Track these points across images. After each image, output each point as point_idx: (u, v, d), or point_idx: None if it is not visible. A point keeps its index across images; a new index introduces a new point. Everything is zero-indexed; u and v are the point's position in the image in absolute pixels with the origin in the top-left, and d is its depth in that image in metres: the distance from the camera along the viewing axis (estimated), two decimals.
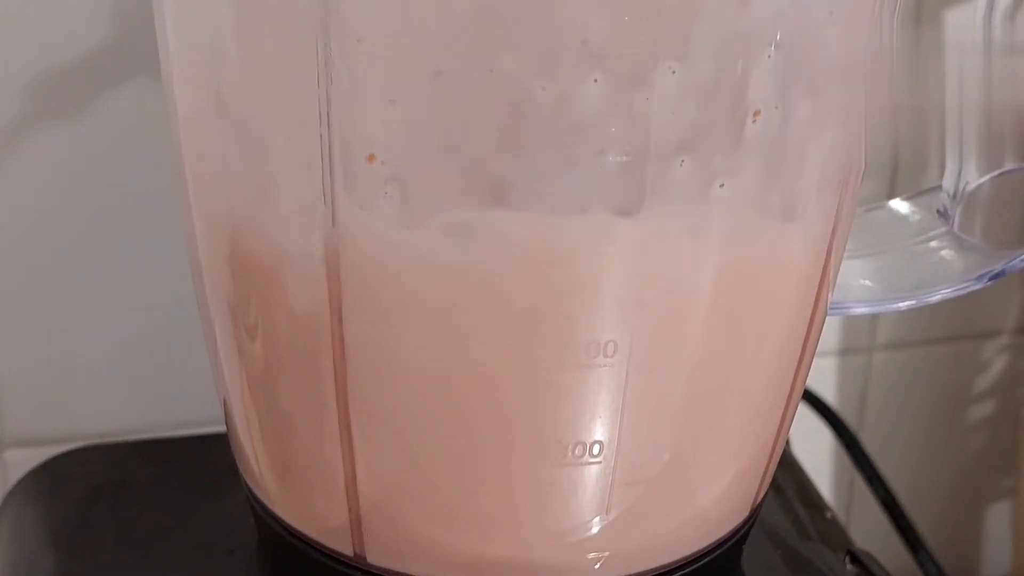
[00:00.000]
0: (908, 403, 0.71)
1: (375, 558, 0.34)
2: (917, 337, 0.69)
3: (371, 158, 0.28)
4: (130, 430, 0.54)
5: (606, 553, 0.33)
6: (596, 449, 0.31)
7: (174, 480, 0.46)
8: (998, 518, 0.76)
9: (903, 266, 0.38)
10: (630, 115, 0.27)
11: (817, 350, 0.37)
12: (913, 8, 0.52)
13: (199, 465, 0.47)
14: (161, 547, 0.42)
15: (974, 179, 0.37)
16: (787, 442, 0.52)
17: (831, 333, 0.67)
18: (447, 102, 0.27)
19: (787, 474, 0.49)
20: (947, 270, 0.38)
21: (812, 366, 0.37)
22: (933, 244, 0.38)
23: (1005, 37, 0.35)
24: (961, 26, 0.36)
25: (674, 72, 0.27)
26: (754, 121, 0.28)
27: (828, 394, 0.67)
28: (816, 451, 0.66)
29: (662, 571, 0.34)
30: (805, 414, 0.61)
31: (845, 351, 0.68)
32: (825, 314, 0.36)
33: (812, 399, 0.61)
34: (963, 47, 0.36)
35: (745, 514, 0.37)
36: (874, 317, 0.67)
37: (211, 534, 0.42)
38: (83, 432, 0.53)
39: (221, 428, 0.39)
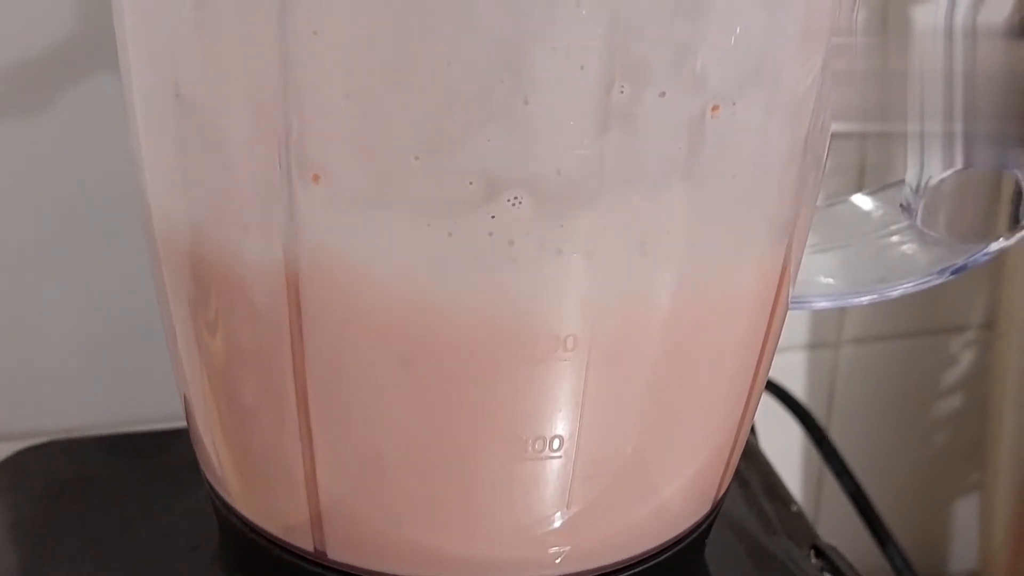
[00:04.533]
0: (876, 397, 0.72)
1: (336, 554, 0.34)
2: (885, 332, 0.70)
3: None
4: (93, 425, 0.53)
5: (567, 548, 0.33)
6: (556, 444, 0.31)
7: (138, 476, 0.46)
8: (965, 512, 0.77)
9: (866, 260, 0.38)
10: (590, 107, 0.27)
11: (785, 345, 0.37)
12: (880, 3, 0.52)
13: (163, 461, 0.46)
14: (125, 543, 0.42)
15: (937, 174, 0.37)
16: (754, 436, 0.52)
17: (799, 328, 0.67)
18: (403, 96, 0.27)
19: (753, 468, 0.49)
20: (909, 264, 0.38)
21: (781, 361, 0.37)
22: (896, 238, 0.38)
23: (967, 34, 0.35)
24: (925, 22, 0.36)
25: (632, 72, 0.27)
26: (713, 116, 0.28)
27: (796, 388, 0.67)
28: (785, 445, 0.66)
29: (625, 565, 0.34)
30: (773, 408, 0.61)
31: (813, 345, 0.68)
32: (787, 308, 0.36)
33: (780, 393, 0.61)
34: (926, 43, 0.36)
35: (707, 508, 0.37)
36: (842, 312, 0.68)
37: (175, 530, 0.42)
38: (46, 427, 0.53)
39: (185, 423, 0.38)
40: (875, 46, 0.36)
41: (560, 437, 0.31)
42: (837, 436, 0.62)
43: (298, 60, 0.27)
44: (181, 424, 0.39)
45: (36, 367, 0.53)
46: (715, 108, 0.28)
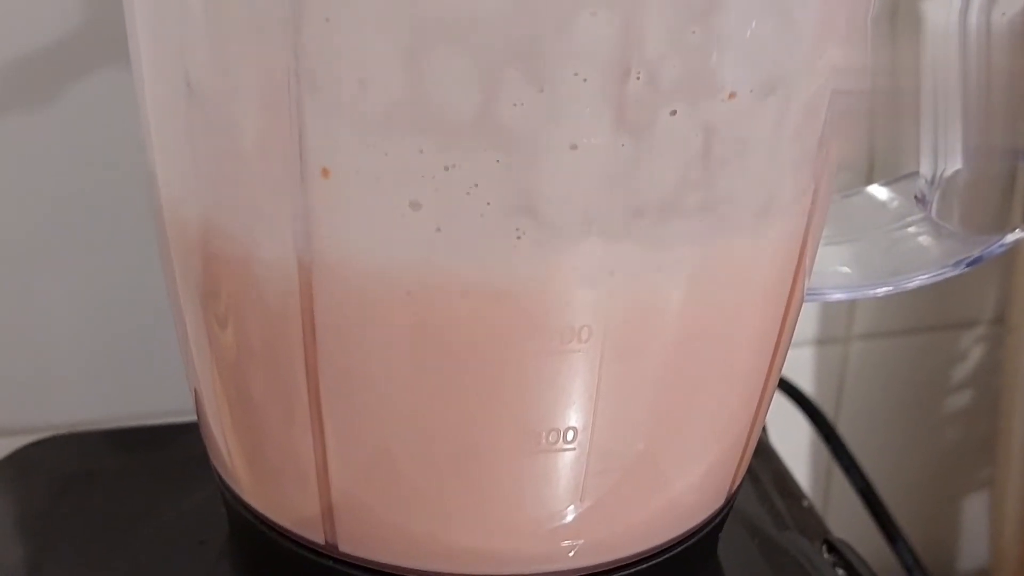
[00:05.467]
0: (886, 393, 0.71)
1: (347, 547, 0.33)
2: (895, 327, 0.69)
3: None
4: (101, 419, 0.53)
5: (580, 541, 0.33)
6: (570, 435, 0.31)
7: (145, 470, 0.46)
8: (975, 508, 0.76)
9: (880, 252, 0.38)
10: (606, 95, 0.27)
11: (794, 340, 0.36)
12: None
13: (170, 454, 0.46)
14: (132, 537, 0.42)
15: (951, 166, 0.37)
16: (764, 431, 0.52)
17: (808, 323, 0.67)
18: (418, 84, 0.27)
19: (764, 463, 0.49)
20: (924, 256, 0.37)
21: (789, 356, 0.37)
22: (911, 230, 0.38)
23: (980, 29, 0.35)
24: (936, 17, 0.36)
25: (649, 56, 0.27)
26: (729, 104, 0.28)
27: (805, 384, 0.67)
28: (793, 441, 0.66)
29: (637, 559, 0.34)
30: (782, 404, 0.61)
31: (822, 341, 0.68)
32: (802, 301, 0.35)
33: (789, 389, 0.61)
34: (938, 38, 0.36)
35: (721, 502, 0.36)
36: (852, 307, 0.67)
37: (182, 524, 0.42)
38: (53, 421, 0.52)
39: (192, 417, 0.38)
40: (885, 41, 0.36)
41: (574, 429, 0.31)
42: (846, 432, 0.62)
43: (310, 48, 0.27)
44: (188, 418, 0.39)
45: (43, 362, 0.53)
46: (731, 95, 0.28)
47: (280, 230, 0.29)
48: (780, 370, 0.36)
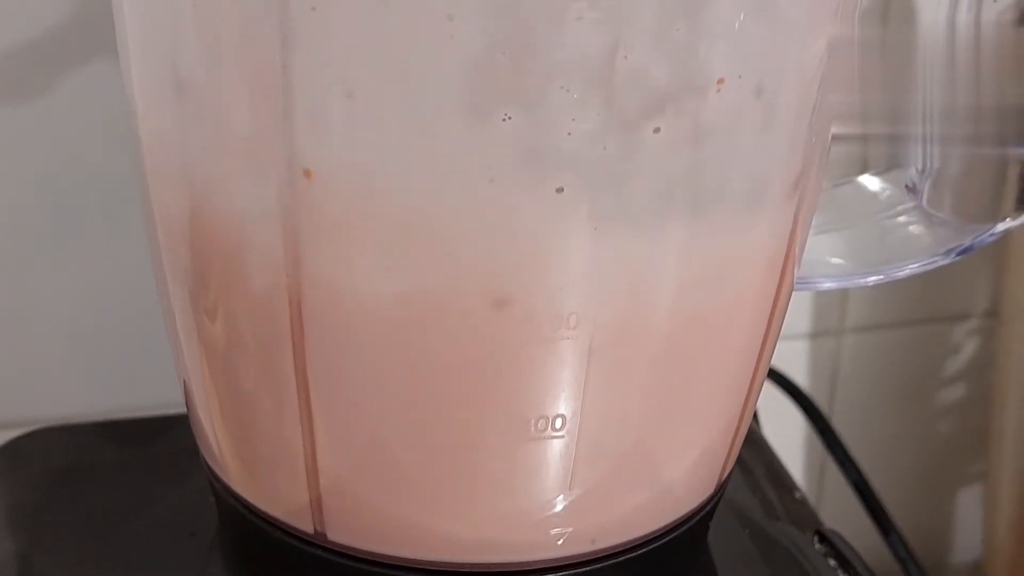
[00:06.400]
0: (879, 386, 0.71)
1: (336, 536, 0.33)
2: (888, 320, 0.69)
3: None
4: (91, 412, 0.53)
5: (570, 529, 0.33)
6: (559, 423, 0.31)
7: (135, 462, 0.46)
8: (969, 501, 0.76)
9: (872, 241, 0.38)
10: (597, 82, 0.27)
11: (788, 333, 0.36)
12: None
13: (160, 447, 0.46)
14: (122, 529, 0.42)
15: (942, 155, 0.37)
16: (757, 423, 0.52)
17: (801, 316, 0.67)
18: (406, 79, 0.27)
19: (756, 454, 0.49)
20: (916, 245, 0.37)
21: (783, 349, 0.37)
22: (902, 219, 0.38)
23: (969, 24, 0.35)
24: (928, 8, 0.36)
25: (637, 47, 0.27)
26: (718, 90, 0.28)
27: (799, 377, 0.67)
28: (787, 434, 0.66)
29: (627, 547, 0.34)
30: (776, 396, 0.61)
31: (816, 334, 0.68)
32: (791, 290, 0.35)
33: (783, 381, 0.61)
34: (929, 29, 0.36)
35: (711, 491, 0.36)
36: (844, 300, 0.67)
37: (173, 516, 0.42)
38: (44, 414, 0.52)
39: (183, 410, 0.38)
40: (876, 31, 0.36)
41: (563, 416, 0.31)
42: (840, 425, 0.62)
43: (297, 39, 0.27)
44: (178, 411, 0.39)
45: (33, 354, 0.53)
46: (720, 80, 0.28)
47: (267, 222, 0.29)
48: (770, 359, 0.36)
